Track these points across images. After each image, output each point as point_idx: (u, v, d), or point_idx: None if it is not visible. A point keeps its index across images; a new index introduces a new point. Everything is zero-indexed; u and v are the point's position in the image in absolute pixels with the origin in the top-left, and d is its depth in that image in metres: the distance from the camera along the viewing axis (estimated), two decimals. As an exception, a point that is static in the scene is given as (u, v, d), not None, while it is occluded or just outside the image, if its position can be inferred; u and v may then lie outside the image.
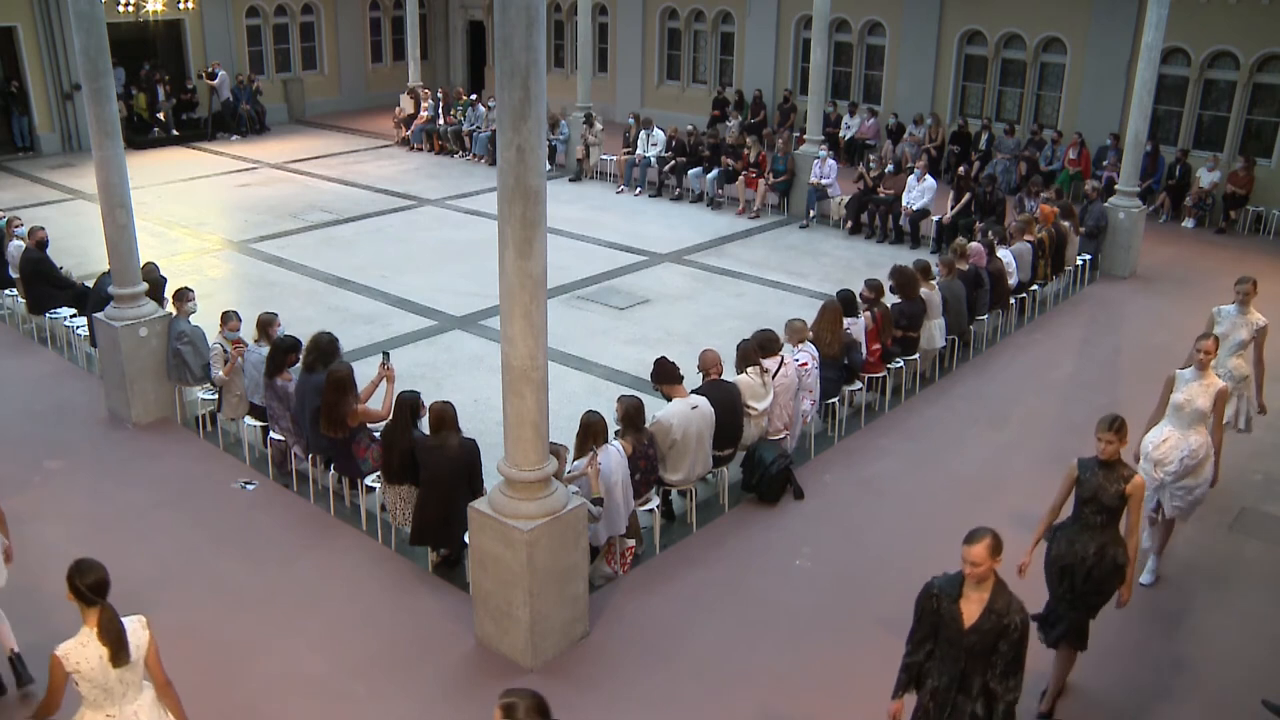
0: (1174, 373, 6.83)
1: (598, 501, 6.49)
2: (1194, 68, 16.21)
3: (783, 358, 8.02)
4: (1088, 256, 13.13)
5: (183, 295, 9.06)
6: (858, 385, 9.18)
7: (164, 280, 10.02)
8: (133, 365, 8.97)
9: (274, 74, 24.13)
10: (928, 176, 14.81)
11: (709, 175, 16.99)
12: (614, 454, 6.71)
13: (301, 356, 7.87)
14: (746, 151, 16.81)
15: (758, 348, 7.95)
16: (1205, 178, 15.88)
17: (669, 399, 7.44)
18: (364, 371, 8.69)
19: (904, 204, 14.79)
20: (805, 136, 16.64)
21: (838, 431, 9.11)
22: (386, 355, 7.86)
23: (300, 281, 13.12)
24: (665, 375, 7.44)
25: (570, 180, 18.47)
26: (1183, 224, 15.95)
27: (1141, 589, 6.76)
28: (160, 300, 9.55)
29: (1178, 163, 16.17)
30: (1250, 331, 7.78)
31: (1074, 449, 8.59)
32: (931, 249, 14.14)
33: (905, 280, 9.61)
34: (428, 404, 7.05)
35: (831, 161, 15.92)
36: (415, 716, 5.82)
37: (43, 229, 11.28)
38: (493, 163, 17.59)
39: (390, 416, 7.21)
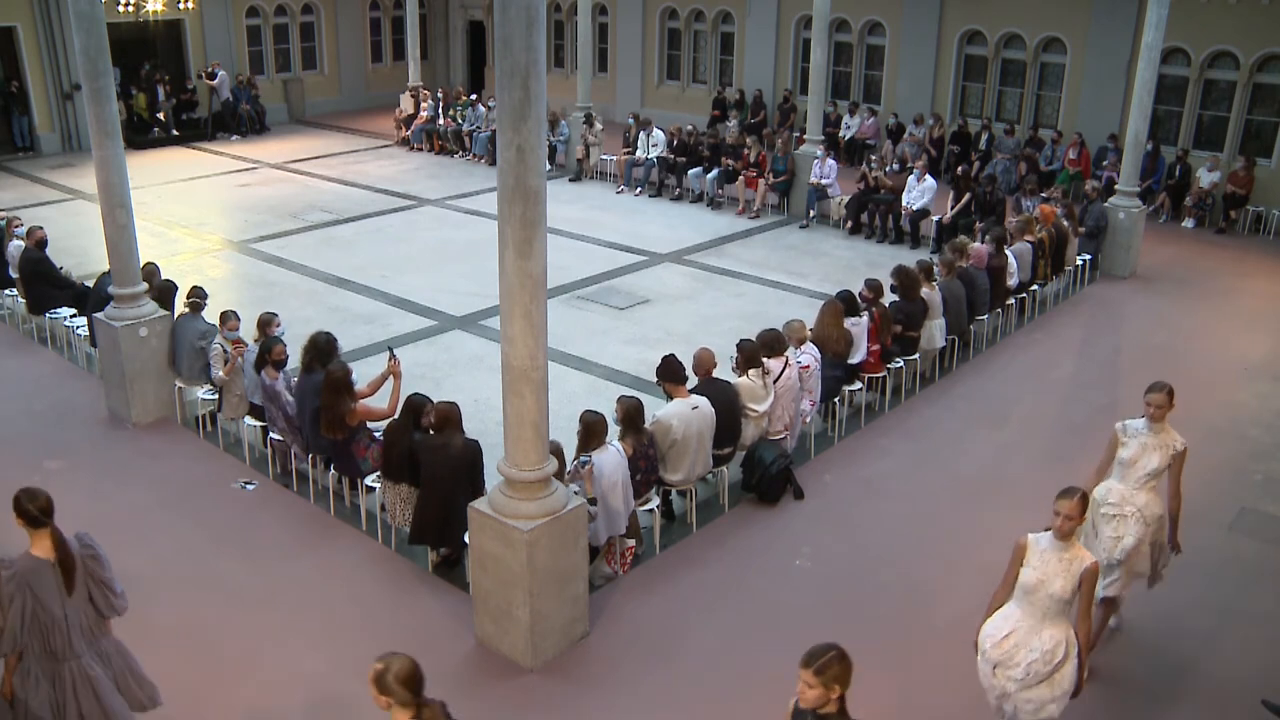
0: (1025, 539, 5.01)
1: (591, 502, 6.49)
2: (1194, 68, 16.20)
3: (787, 359, 8.02)
4: (1088, 256, 13.12)
5: (202, 294, 9.15)
6: (858, 385, 9.18)
7: (174, 287, 9.96)
8: (133, 365, 8.97)
9: (274, 74, 24.12)
10: (928, 176, 14.81)
11: (709, 175, 16.99)
12: (614, 454, 6.71)
13: (300, 356, 7.87)
14: (746, 151, 16.80)
15: (763, 348, 7.94)
16: (1205, 178, 15.87)
17: (670, 397, 7.45)
18: (365, 371, 8.71)
19: (904, 204, 14.80)
20: (805, 136, 16.63)
21: (838, 431, 9.11)
22: (392, 350, 7.85)
23: (300, 281, 13.12)
24: (671, 373, 7.43)
25: (570, 180, 18.46)
26: (1183, 224, 15.95)
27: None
28: (169, 305, 9.54)
29: (1178, 163, 16.16)
30: (1165, 457, 5.88)
31: (1074, 448, 8.66)
32: (931, 249, 14.12)
33: (908, 281, 9.60)
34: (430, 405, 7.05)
35: (831, 161, 15.91)
36: (415, 716, 5.82)
37: (42, 229, 11.28)
38: (493, 163, 17.57)
39: (396, 414, 7.21)
